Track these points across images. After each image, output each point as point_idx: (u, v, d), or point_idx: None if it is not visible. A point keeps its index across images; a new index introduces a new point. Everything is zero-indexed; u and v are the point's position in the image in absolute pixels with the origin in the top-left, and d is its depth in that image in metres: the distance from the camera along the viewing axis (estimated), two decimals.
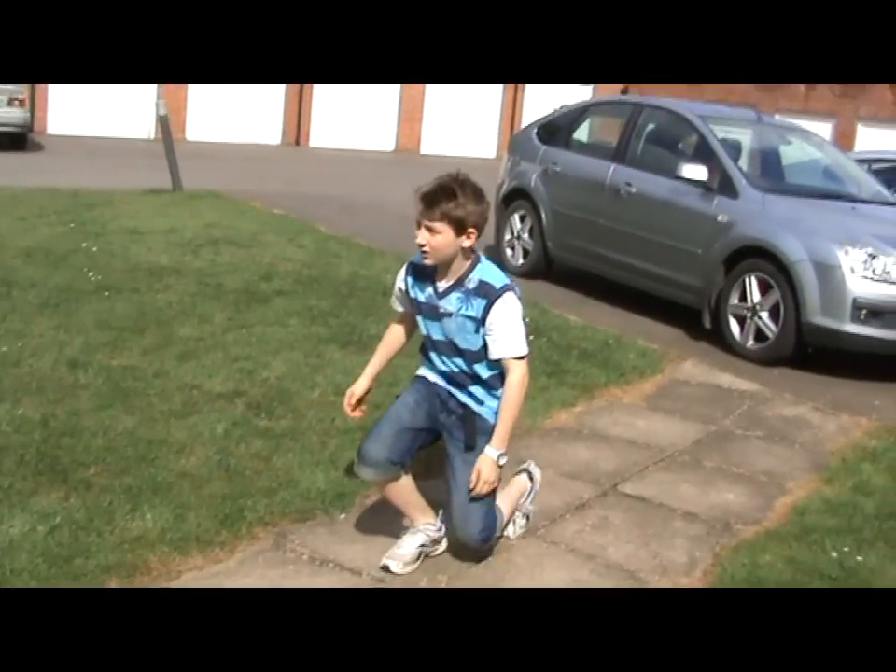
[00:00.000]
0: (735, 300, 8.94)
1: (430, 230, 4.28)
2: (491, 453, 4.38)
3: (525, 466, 5.11)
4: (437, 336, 4.52)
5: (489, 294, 4.35)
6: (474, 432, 4.50)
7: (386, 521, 4.93)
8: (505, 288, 4.37)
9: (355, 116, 34.91)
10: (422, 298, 4.52)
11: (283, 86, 33.72)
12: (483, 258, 4.46)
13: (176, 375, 6.57)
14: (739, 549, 5.01)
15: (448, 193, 4.26)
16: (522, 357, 4.40)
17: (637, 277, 10.10)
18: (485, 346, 4.42)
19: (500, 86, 37.75)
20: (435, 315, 4.48)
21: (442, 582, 4.46)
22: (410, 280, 4.56)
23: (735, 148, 10.07)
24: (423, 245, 4.32)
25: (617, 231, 10.23)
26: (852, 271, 8.30)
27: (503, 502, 4.76)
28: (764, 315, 8.71)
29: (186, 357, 6.93)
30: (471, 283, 4.38)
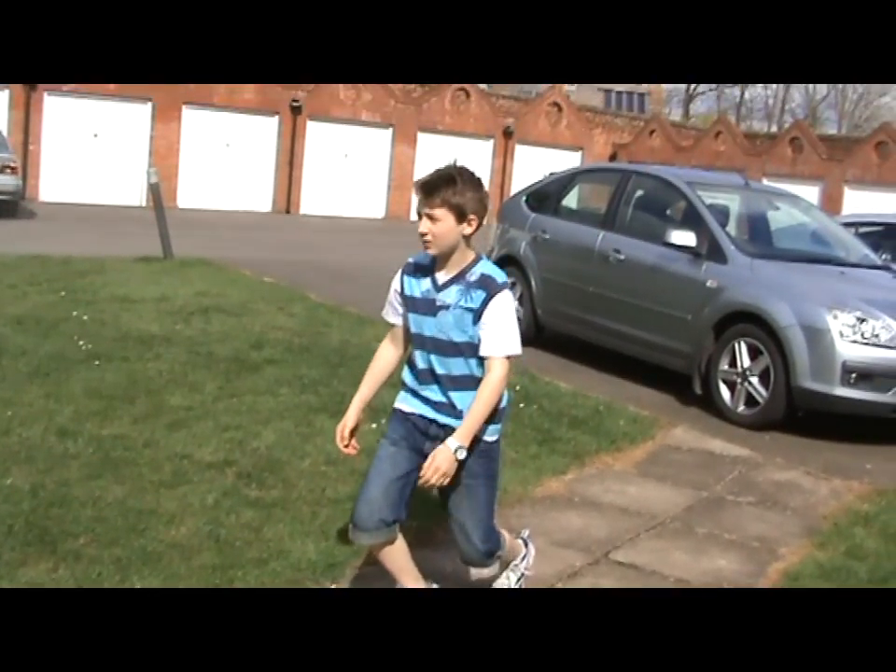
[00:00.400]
0: (724, 365, 8.97)
1: (431, 217, 4.26)
2: (450, 443, 4.27)
3: (521, 535, 5.09)
4: (430, 332, 4.44)
5: (490, 287, 4.31)
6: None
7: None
8: (504, 284, 4.34)
9: (344, 183, 35.14)
10: (418, 294, 4.44)
11: (273, 154, 33.96)
12: (484, 256, 4.45)
13: (167, 445, 6.55)
14: None
15: (447, 180, 4.25)
16: (509, 358, 4.36)
17: (627, 343, 10.12)
18: (465, 342, 4.37)
19: (490, 154, 38.10)
20: (431, 309, 4.40)
21: None
22: (406, 279, 4.49)
23: (722, 214, 10.14)
24: (425, 234, 4.30)
25: (606, 297, 10.27)
26: (841, 335, 8.34)
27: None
28: (755, 379, 8.73)
29: (176, 426, 6.92)
30: (473, 276, 4.34)
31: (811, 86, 69.81)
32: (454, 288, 4.37)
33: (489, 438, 4.48)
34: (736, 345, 8.89)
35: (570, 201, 12.03)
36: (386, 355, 4.74)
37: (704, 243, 9.40)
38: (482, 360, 4.37)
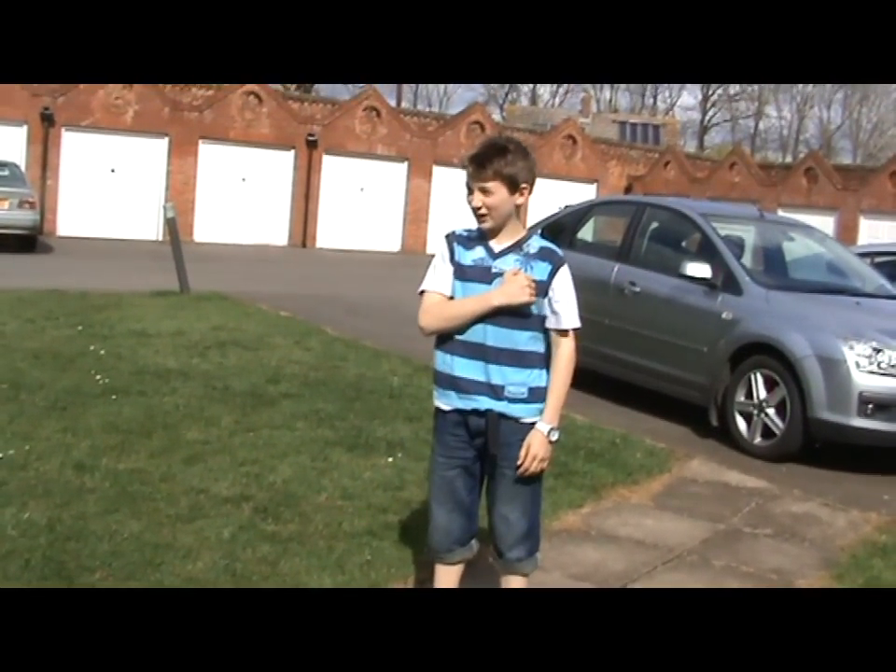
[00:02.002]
0: (741, 396, 8.96)
1: (484, 191, 4.24)
2: (542, 427, 4.29)
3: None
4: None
5: (554, 259, 4.31)
6: (497, 438, 4.33)
7: None
8: (562, 259, 4.33)
9: (361, 217, 35.26)
10: (469, 261, 4.34)
11: (290, 188, 34.10)
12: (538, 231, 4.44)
13: (183, 479, 6.56)
14: None
15: (498, 151, 4.23)
16: (575, 330, 4.37)
17: (643, 376, 10.12)
18: (538, 313, 4.32)
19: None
20: (485, 277, 4.30)
21: None
22: (456, 246, 4.39)
23: (737, 245, 10.15)
24: (479, 208, 4.26)
25: (622, 330, 10.27)
26: (857, 365, 8.32)
27: None
28: (771, 411, 8.72)
29: (193, 460, 6.93)
30: (531, 247, 4.31)
31: (825, 116, 69.88)
32: (510, 257, 4.31)
33: (532, 419, 4.39)
34: (752, 377, 8.88)
35: (586, 233, 12.04)
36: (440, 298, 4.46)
37: (719, 274, 9.41)
38: (532, 335, 4.34)
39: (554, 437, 4.33)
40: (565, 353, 4.34)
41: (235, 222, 32.62)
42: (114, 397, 8.41)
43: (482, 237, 4.36)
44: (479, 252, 4.35)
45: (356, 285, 20.59)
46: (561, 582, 5.30)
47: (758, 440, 8.82)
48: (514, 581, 4.54)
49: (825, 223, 31.47)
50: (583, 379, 10.76)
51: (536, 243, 4.34)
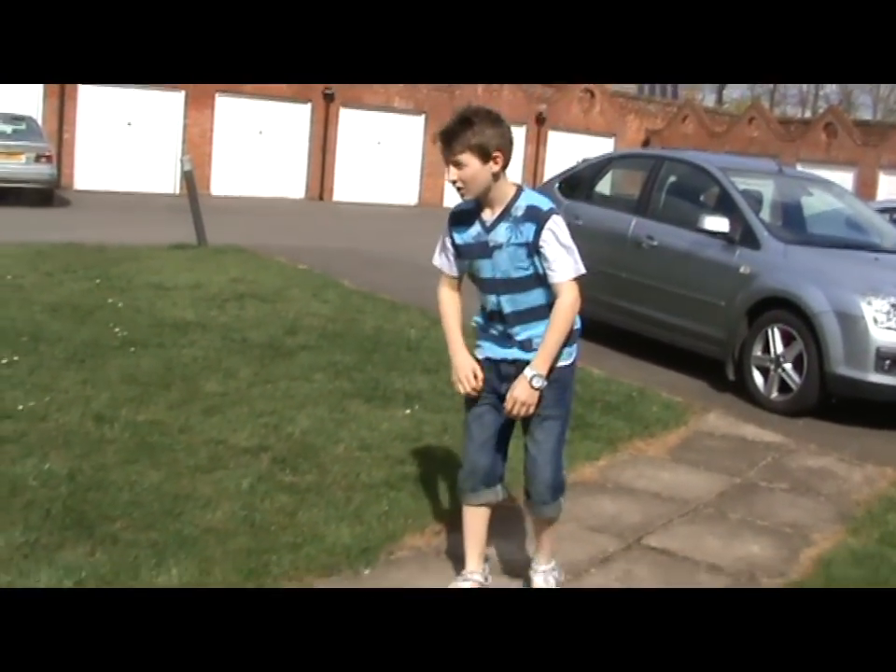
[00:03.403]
0: (758, 351, 8.95)
1: (457, 164, 4.30)
2: (527, 372, 4.37)
3: None
4: (488, 275, 4.50)
5: (537, 217, 4.35)
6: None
7: (411, 576, 4.94)
8: (552, 211, 4.38)
9: (378, 170, 35.17)
10: (470, 240, 4.49)
11: (307, 141, 34.01)
12: (526, 187, 4.48)
13: (202, 430, 6.60)
14: None
15: (463, 123, 4.26)
16: (576, 279, 4.40)
17: (660, 330, 10.11)
18: (541, 271, 4.40)
19: (522, 140, 37.98)
20: (484, 251, 4.46)
21: None
22: (454, 229, 4.54)
23: (756, 200, 10.09)
24: (455, 182, 4.34)
25: (639, 283, 10.25)
26: (875, 321, 8.30)
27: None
28: (788, 366, 8.71)
29: (211, 411, 6.97)
30: (519, 210, 4.37)
31: None
32: (502, 226, 4.41)
33: (561, 363, 4.51)
34: (770, 332, 8.87)
35: (603, 187, 12.00)
36: (451, 299, 4.71)
37: (737, 229, 9.38)
38: (549, 289, 4.41)
39: (537, 383, 4.38)
40: (560, 304, 4.38)
41: (252, 175, 32.58)
42: (132, 349, 8.45)
43: (477, 209, 4.47)
44: (474, 228, 4.48)
45: (373, 238, 20.56)
46: (577, 534, 5.33)
47: (775, 394, 8.82)
48: (541, 528, 4.75)
49: (844, 178, 31.27)
50: (600, 332, 10.84)
51: (524, 202, 4.40)
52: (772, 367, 8.84)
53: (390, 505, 5.59)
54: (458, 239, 4.54)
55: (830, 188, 11.35)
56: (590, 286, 10.90)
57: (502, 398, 4.54)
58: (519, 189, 4.44)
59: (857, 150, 37.81)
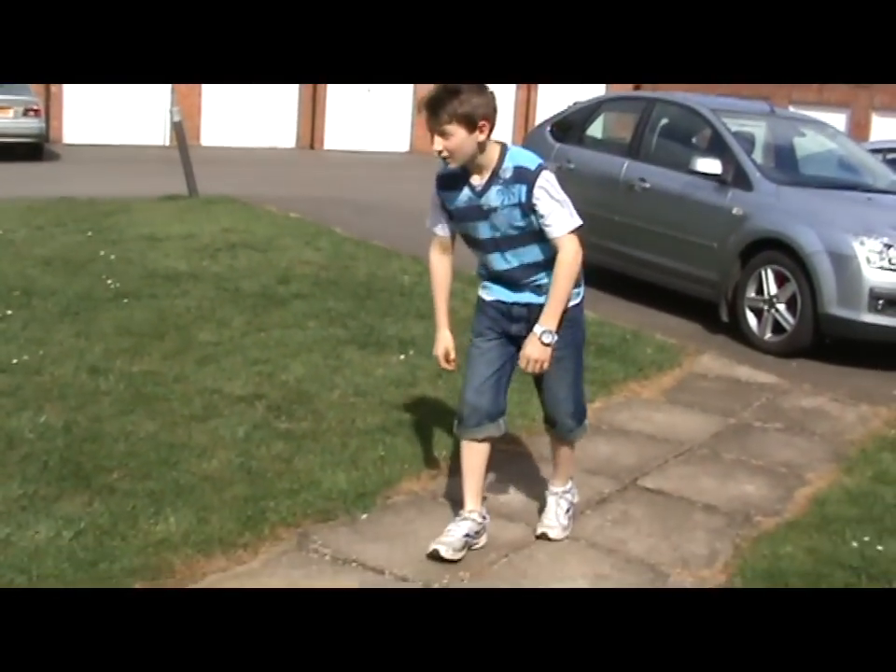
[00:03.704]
0: (751, 292, 8.95)
1: (442, 134, 4.30)
2: (536, 329, 4.43)
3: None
4: (487, 235, 4.56)
5: (526, 177, 4.38)
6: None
7: (408, 520, 4.97)
8: (540, 167, 4.40)
9: (368, 118, 34.94)
10: (461, 204, 4.53)
11: (296, 90, 33.77)
12: (510, 145, 4.48)
13: (197, 380, 6.61)
14: (760, 540, 5.03)
15: (450, 93, 4.25)
16: (574, 231, 4.43)
17: (653, 272, 10.11)
18: (538, 227, 4.45)
19: (514, 84, 37.75)
20: (479, 214, 4.51)
21: (465, 580, 4.48)
22: (444, 193, 4.58)
23: (748, 141, 10.07)
24: (440, 152, 4.35)
25: (632, 226, 10.24)
26: (868, 261, 8.31)
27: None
28: (781, 307, 8.73)
29: (205, 361, 6.97)
30: (507, 172, 4.40)
31: None
32: (493, 190, 4.44)
33: (570, 303, 4.59)
34: (763, 273, 8.87)
35: (595, 130, 11.95)
36: (442, 266, 4.84)
37: (729, 170, 9.36)
38: (548, 243, 4.47)
39: (547, 339, 4.43)
40: (562, 259, 4.42)
41: (242, 125, 32.35)
42: (125, 300, 8.44)
43: (464, 172, 4.48)
44: (464, 193, 4.52)
45: (364, 185, 20.47)
46: (574, 476, 5.33)
47: (768, 335, 8.84)
48: (561, 450, 4.92)
49: (837, 120, 31.09)
50: (593, 276, 10.81)
51: (510, 163, 4.41)
52: (765, 308, 8.85)
53: (386, 450, 5.62)
54: (449, 204, 4.58)
55: (822, 128, 11.31)
56: (583, 229, 10.93)
57: (511, 338, 4.65)
58: (503, 150, 4.44)
59: (849, 92, 37.56)
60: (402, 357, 7.30)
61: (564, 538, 4.94)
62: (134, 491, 4.96)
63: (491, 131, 4.35)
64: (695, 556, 4.85)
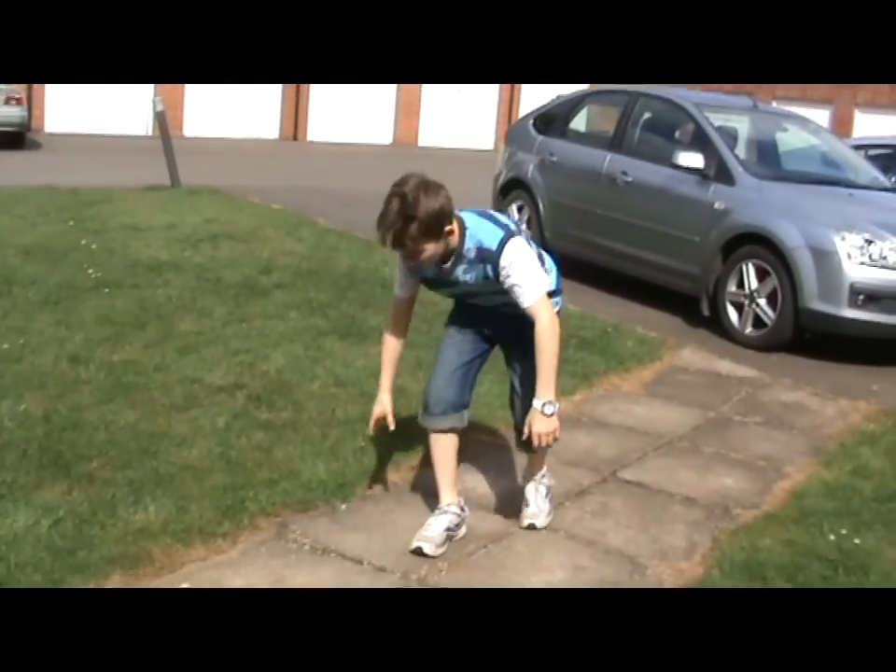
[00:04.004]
0: (732, 286, 8.98)
1: (414, 254, 4.29)
2: (536, 404, 4.38)
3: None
4: (460, 291, 4.61)
5: (490, 258, 4.35)
6: (521, 326, 4.46)
7: (388, 510, 4.98)
8: (502, 244, 4.33)
9: (352, 109, 34.87)
10: (430, 275, 4.55)
11: None
12: (466, 220, 4.39)
13: (177, 369, 6.60)
14: (738, 533, 5.05)
15: (406, 220, 4.14)
16: (549, 295, 4.45)
17: (635, 266, 10.14)
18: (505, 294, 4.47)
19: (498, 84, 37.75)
20: (450, 283, 4.54)
21: (443, 570, 4.49)
22: (409, 265, 4.55)
23: (731, 136, 10.11)
24: (416, 264, 4.40)
25: (614, 219, 10.27)
26: (849, 256, 8.34)
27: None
28: (762, 301, 8.75)
29: (186, 350, 6.96)
30: (470, 252, 4.38)
31: None
32: (460, 269, 4.46)
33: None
34: (744, 267, 8.90)
35: (578, 123, 11.98)
36: (398, 329, 4.80)
37: (712, 164, 9.39)
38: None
39: (549, 410, 4.39)
40: (539, 329, 4.35)
41: (225, 116, 32.28)
42: (107, 290, 8.42)
43: None
44: (431, 270, 4.49)
45: (348, 177, 20.45)
46: (553, 468, 5.33)
47: (749, 329, 8.87)
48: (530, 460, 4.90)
49: (820, 116, 31.19)
50: (575, 268, 10.86)
51: (472, 244, 4.37)
52: (746, 302, 8.88)
53: (366, 440, 5.60)
54: (419, 272, 4.57)
55: (805, 124, 11.34)
56: (565, 222, 10.97)
57: (486, 337, 4.69)
58: (463, 230, 4.37)
59: (833, 88, 37.62)
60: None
61: (548, 523, 4.98)
62: (114, 480, 4.95)
63: (460, 226, 4.33)
64: (674, 548, 4.87)
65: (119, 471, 5.06)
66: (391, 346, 4.80)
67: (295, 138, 33.66)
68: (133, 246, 10.31)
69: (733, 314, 8.99)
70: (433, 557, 4.57)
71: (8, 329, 7.17)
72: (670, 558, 4.76)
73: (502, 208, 11.84)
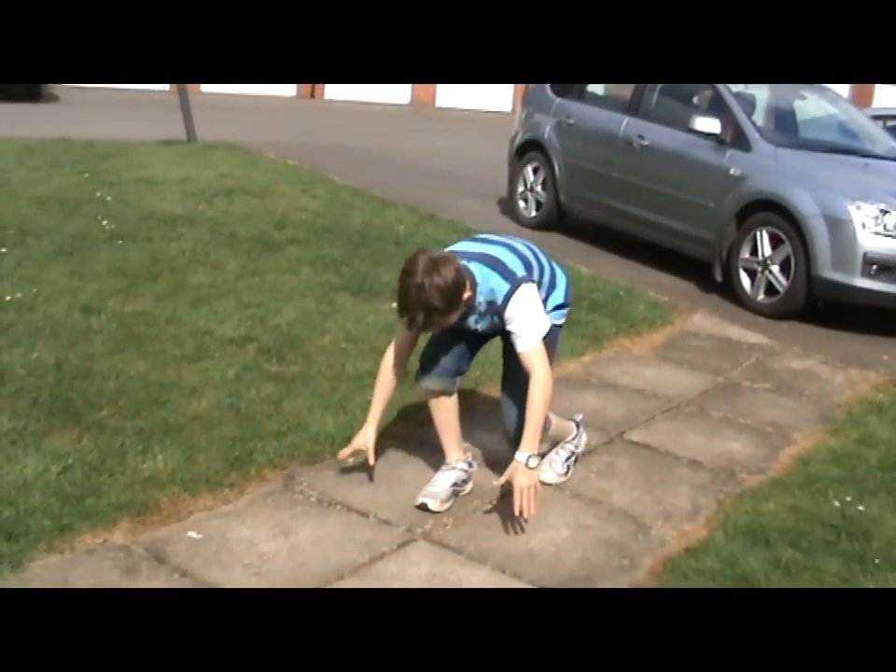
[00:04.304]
0: (746, 253, 8.96)
1: (440, 327, 4.35)
2: (520, 457, 4.34)
3: (574, 418, 5.27)
4: (473, 332, 4.61)
5: (498, 311, 4.39)
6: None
7: (394, 464, 5.01)
8: (507, 298, 4.36)
9: None
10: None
11: None
12: (476, 273, 4.36)
13: (189, 321, 6.63)
14: (743, 497, 5.07)
15: (427, 312, 4.15)
16: (557, 308, 4.57)
17: (649, 230, 10.12)
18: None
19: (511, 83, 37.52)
20: (463, 329, 4.56)
21: (448, 525, 4.52)
22: None
23: (748, 102, 10.04)
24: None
25: (629, 183, 10.24)
26: (863, 226, 8.30)
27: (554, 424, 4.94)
28: (775, 268, 8.73)
29: (198, 303, 6.98)
30: (481, 306, 4.41)
31: None
32: (471, 319, 4.49)
33: (554, 321, 4.65)
34: (758, 234, 8.87)
35: (596, 86, 11.92)
36: (397, 366, 4.75)
37: (728, 130, 9.35)
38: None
39: (533, 463, 4.35)
40: (533, 382, 4.35)
41: None
42: (120, 242, 8.44)
43: None
44: None
45: (364, 135, 20.37)
46: (572, 427, 5.34)
47: (761, 296, 8.85)
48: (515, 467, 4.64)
49: (840, 86, 30.98)
50: (589, 231, 10.86)
51: (482, 297, 4.38)
52: (759, 269, 8.85)
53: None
54: None
55: (824, 93, 11.26)
56: (581, 185, 10.95)
57: (478, 334, 4.66)
58: (474, 287, 4.35)
59: None
60: (394, 304, 7.19)
61: (558, 482, 5.03)
62: (123, 429, 4.99)
63: (471, 288, 4.30)
64: (678, 510, 4.89)
65: (129, 420, 5.10)
66: (386, 380, 4.73)
67: (312, 96, 33.55)
68: (148, 200, 10.32)
69: (745, 280, 8.97)
70: (438, 513, 4.60)
71: (22, 279, 7.20)
72: (674, 520, 4.78)
73: (518, 170, 11.84)
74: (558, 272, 4.81)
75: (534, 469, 4.34)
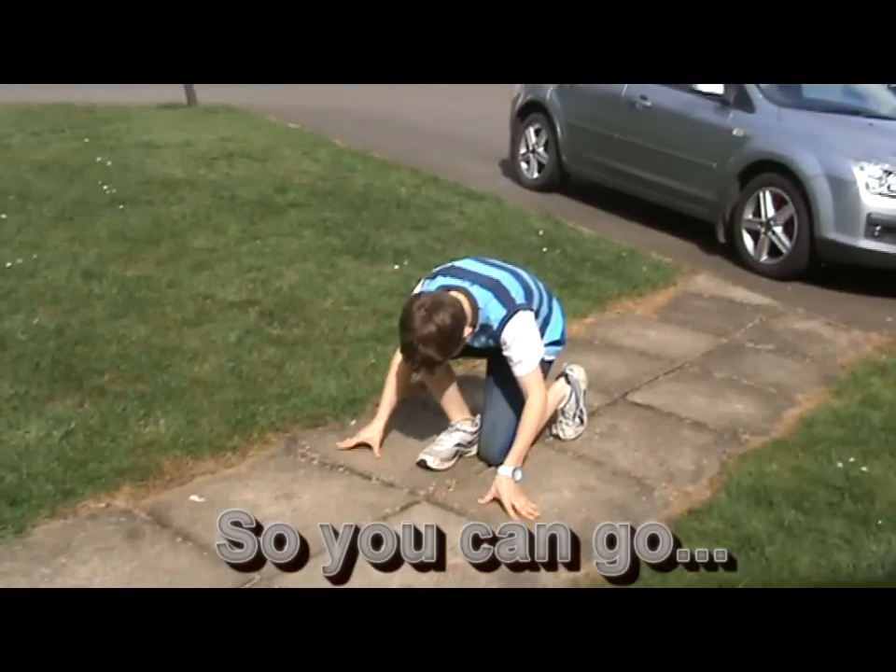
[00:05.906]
0: (749, 214, 8.92)
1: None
2: (504, 471, 4.37)
3: (563, 370, 5.22)
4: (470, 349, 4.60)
5: (493, 335, 4.40)
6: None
7: (397, 426, 4.99)
8: (502, 324, 4.36)
9: None
10: None
11: None
12: (478, 298, 4.35)
13: (190, 285, 6.61)
14: (746, 458, 5.05)
15: (430, 365, 4.25)
16: (553, 344, 4.63)
17: (652, 191, 10.07)
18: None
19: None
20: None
21: (451, 487, 4.51)
22: None
23: None
24: None
25: (632, 144, 10.19)
26: (867, 186, 8.26)
27: None
28: (778, 229, 8.70)
29: (199, 267, 6.97)
30: (476, 327, 4.39)
31: None
32: (472, 341, 4.47)
33: (547, 357, 4.66)
34: (761, 195, 8.83)
35: None
36: (403, 371, 4.73)
37: (731, 90, 9.28)
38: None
39: (518, 476, 4.39)
40: (529, 405, 4.40)
41: None
42: (121, 206, 8.42)
43: None
44: None
45: (365, 98, 20.25)
46: (564, 388, 5.35)
47: (764, 257, 8.82)
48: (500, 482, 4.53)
49: None
50: (592, 193, 10.82)
51: (482, 320, 4.37)
52: (762, 230, 8.82)
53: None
54: None
55: None
56: (583, 146, 10.87)
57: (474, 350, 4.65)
58: (475, 310, 4.35)
59: None
60: (396, 267, 7.30)
61: (572, 436, 5.11)
62: (125, 393, 4.98)
63: (471, 321, 4.31)
64: (682, 471, 4.88)
65: (131, 385, 5.09)
66: (397, 379, 4.75)
67: None
68: (149, 164, 10.29)
69: (748, 241, 8.94)
70: (437, 471, 4.60)
71: (23, 244, 7.19)
72: (677, 481, 4.78)
73: (519, 131, 11.78)
74: (556, 307, 4.85)
75: (518, 482, 4.39)
